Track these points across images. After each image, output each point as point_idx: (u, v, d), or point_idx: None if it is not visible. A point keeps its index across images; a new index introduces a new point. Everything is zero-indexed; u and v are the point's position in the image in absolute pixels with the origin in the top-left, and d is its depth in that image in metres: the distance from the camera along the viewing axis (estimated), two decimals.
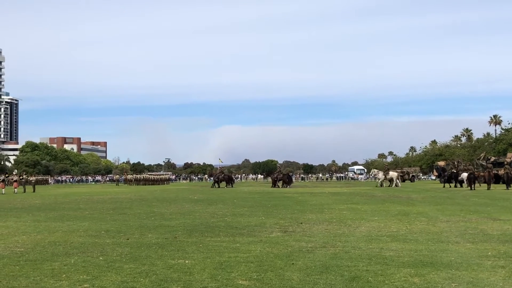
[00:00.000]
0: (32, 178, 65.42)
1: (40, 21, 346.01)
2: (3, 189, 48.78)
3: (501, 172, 50.09)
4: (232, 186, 60.52)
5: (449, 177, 55.83)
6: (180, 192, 46.65)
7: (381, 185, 55.60)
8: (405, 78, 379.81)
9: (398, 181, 56.42)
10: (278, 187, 58.78)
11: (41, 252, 12.04)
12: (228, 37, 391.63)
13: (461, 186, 52.18)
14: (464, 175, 51.54)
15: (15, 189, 50.75)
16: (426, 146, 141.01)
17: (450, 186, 53.64)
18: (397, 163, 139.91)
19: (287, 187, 58.35)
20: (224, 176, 62.42)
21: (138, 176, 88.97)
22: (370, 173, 76.55)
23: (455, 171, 55.34)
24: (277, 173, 63.27)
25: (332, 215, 20.80)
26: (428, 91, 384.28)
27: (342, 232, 15.19)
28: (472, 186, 46.87)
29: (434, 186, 57.23)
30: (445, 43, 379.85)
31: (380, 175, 58.63)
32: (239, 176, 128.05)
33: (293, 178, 77.12)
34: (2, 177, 59.21)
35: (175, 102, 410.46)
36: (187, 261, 10.65)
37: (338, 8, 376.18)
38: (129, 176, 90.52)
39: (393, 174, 57.49)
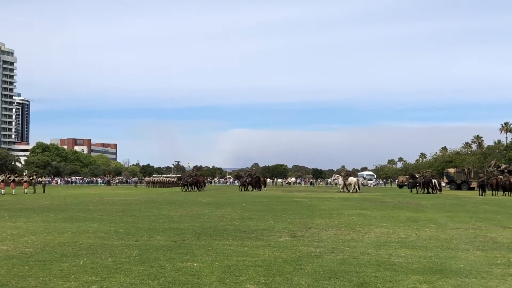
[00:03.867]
0: (43, 179, 65.66)
1: (52, 23, 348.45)
2: (13, 190, 49.05)
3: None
4: (201, 190, 60.52)
5: (423, 183, 58.22)
6: (189, 195, 46.71)
7: (345, 191, 56.72)
8: (416, 84, 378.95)
9: (357, 186, 57.23)
10: (247, 190, 59.67)
11: (50, 253, 12.09)
12: (238, 41, 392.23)
13: (433, 191, 56.21)
14: (433, 181, 58.06)
15: (25, 190, 50.99)
16: (436, 152, 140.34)
17: (418, 192, 56.96)
18: (406, 169, 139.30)
19: (254, 190, 60.11)
20: (192, 180, 62.09)
21: (155, 178, 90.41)
22: (331, 178, 77.50)
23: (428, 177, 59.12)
24: (246, 176, 63.76)
25: (341, 220, 20.75)
26: (439, 98, 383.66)
27: (351, 237, 15.14)
28: (483, 193, 50.29)
29: (444, 193, 57.04)
30: (456, 49, 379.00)
31: (340, 180, 60.21)
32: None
33: (267, 182, 77.26)
34: (12, 177, 59.54)
35: (185, 105, 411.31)
36: (195, 264, 10.66)
37: (349, 13, 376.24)
38: (147, 179, 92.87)
39: (352, 179, 58.57)
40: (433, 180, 57.96)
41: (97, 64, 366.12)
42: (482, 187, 51.31)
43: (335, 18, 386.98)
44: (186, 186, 60.83)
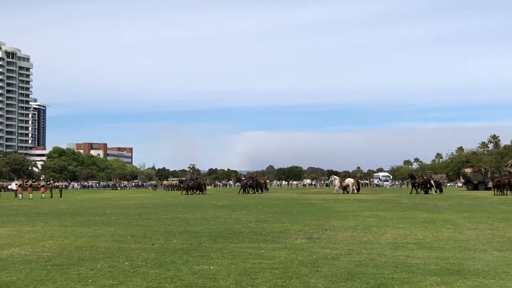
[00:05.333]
0: (60, 184, 66.17)
1: (67, 28, 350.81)
2: (30, 194, 49.44)
3: None
4: (202, 193, 60.74)
5: (421, 183, 58.37)
6: (205, 198, 46.79)
7: (338, 192, 56.13)
8: (431, 84, 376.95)
9: (353, 188, 56.35)
10: (248, 193, 59.88)
11: (67, 257, 12.17)
12: (252, 44, 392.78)
13: (428, 192, 56.14)
14: (431, 181, 58.01)
15: (42, 194, 51.37)
16: (452, 152, 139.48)
17: (418, 192, 56.75)
18: (423, 170, 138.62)
19: (255, 192, 60.40)
20: (194, 183, 62.27)
21: (173, 182, 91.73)
22: (329, 180, 77.17)
23: (425, 177, 59.39)
24: (247, 179, 64.00)
25: (357, 222, 20.68)
26: (455, 98, 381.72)
27: (367, 239, 15.09)
28: (499, 193, 50.33)
29: (461, 194, 56.68)
30: (471, 48, 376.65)
31: (336, 182, 59.76)
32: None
33: (268, 185, 78.09)
34: (30, 182, 60.07)
35: (200, 108, 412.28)
36: (211, 267, 10.68)
37: (361, 15, 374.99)
38: (165, 182, 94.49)
39: (348, 181, 57.51)
40: (431, 181, 57.98)
41: (112, 68, 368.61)
42: (497, 187, 51.27)
43: (349, 20, 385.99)
44: (187, 190, 61.08)
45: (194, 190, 60.99)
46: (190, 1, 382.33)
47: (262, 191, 62.41)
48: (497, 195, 49.06)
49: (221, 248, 13.38)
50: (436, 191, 56.18)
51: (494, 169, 73.69)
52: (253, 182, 62.37)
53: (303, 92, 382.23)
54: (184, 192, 61.53)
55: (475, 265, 10.74)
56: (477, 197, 45.44)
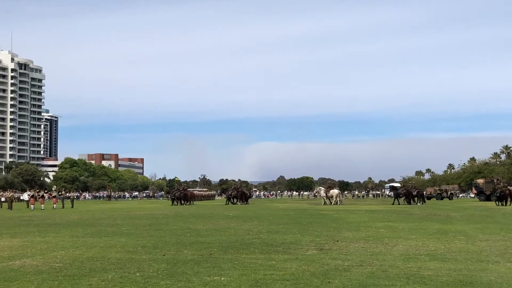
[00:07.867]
0: (71, 194, 66.41)
1: (79, 40, 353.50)
2: (42, 205, 49.63)
3: None
4: (190, 204, 60.85)
5: (404, 194, 58.67)
6: (216, 209, 46.78)
7: (324, 203, 55.85)
8: (443, 95, 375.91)
9: (338, 199, 56.20)
10: (233, 203, 59.93)
11: (79, 268, 12.19)
12: (263, 55, 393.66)
13: (415, 203, 56.90)
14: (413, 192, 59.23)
15: (54, 205, 51.57)
16: (464, 163, 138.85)
17: (399, 203, 56.47)
18: (435, 181, 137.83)
19: (240, 203, 60.56)
20: (180, 194, 62.26)
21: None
22: (314, 191, 77.14)
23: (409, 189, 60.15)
24: (232, 190, 64.10)
25: (369, 233, 20.57)
26: (467, 108, 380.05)
27: (379, 250, 15.00)
28: (503, 203, 50.71)
29: (473, 204, 56.31)
30: (484, 59, 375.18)
31: (322, 192, 59.68)
32: (274, 193, 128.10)
33: (253, 195, 78.56)
34: (42, 193, 60.33)
35: (211, 119, 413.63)
36: (222, 278, 10.65)
37: (373, 25, 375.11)
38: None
39: (333, 192, 57.35)
40: (413, 192, 58.60)
41: (123, 79, 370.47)
42: (501, 198, 51.47)
43: (360, 30, 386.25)
44: (174, 201, 61.06)
45: (182, 201, 61.13)
46: (201, 12, 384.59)
47: (247, 201, 62.66)
48: (500, 206, 49.11)
49: (232, 259, 13.35)
50: (419, 202, 57.00)
51: (507, 179, 73.33)
52: (238, 193, 62.56)
53: (314, 103, 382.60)
54: (174, 202, 61.61)
55: (488, 277, 10.65)
56: (490, 208, 45.12)
